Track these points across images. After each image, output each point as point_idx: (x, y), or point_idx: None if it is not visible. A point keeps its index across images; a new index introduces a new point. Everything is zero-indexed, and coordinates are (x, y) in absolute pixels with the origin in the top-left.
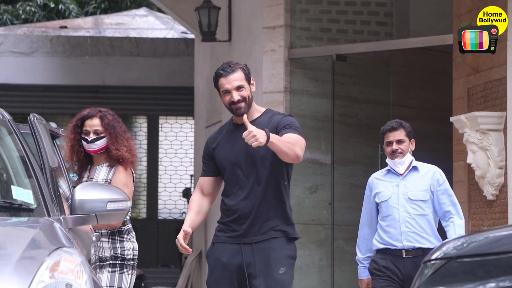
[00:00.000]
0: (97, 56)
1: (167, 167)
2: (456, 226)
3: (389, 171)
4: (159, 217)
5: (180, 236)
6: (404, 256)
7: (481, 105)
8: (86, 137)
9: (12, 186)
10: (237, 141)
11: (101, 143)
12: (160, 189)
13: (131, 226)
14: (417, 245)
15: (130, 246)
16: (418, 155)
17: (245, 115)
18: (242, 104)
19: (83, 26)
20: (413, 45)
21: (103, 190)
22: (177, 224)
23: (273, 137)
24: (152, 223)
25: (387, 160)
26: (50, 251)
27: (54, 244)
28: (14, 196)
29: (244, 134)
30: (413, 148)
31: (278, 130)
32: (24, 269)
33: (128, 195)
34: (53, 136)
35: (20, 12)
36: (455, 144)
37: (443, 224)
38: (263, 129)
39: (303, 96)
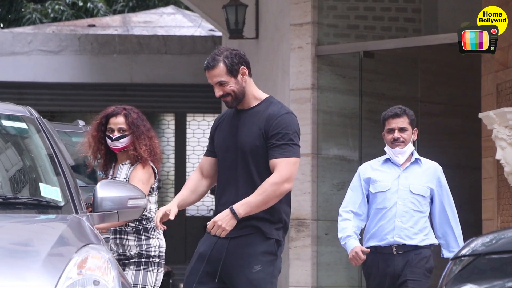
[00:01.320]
0: (125, 54)
1: (194, 164)
2: (458, 238)
3: (387, 160)
4: (187, 214)
5: (160, 211)
6: (394, 252)
7: (510, 101)
8: (111, 135)
9: (40, 184)
10: (233, 128)
11: (125, 141)
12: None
13: None
14: (409, 242)
15: (156, 243)
16: (447, 151)
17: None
18: (228, 98)
19: (111, 24)
20: (441, 41)
21: (122, 188)
22: (205, 220)
23: (243, 210)
24: (180, 220)
25: (386, 149)
26: (78, 248)
27: (82, 241)
28: (42, 194)
29: (208, 226)
30: (415, 138)
31: (269, 140)
32: (52, 265)
33: (143, 191)
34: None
35: (49, 11)
36: (483, 140)
37: (440, 231)
38: (229, 209)
39: (330, 93)
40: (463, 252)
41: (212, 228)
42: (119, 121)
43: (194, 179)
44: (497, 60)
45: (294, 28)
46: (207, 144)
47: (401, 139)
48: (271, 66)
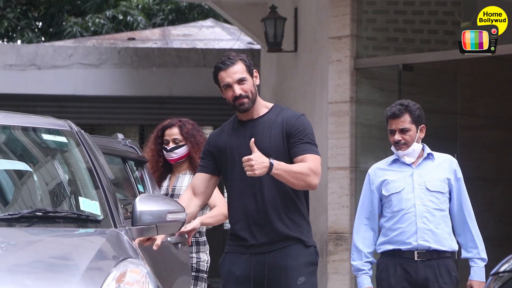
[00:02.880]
0: (164, 67)
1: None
2: (477, 240)
3: (396, 160)
4: (225, 227)
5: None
6: (416, 258)
7: None
8: (166, 146)
9: (79, 198)
10: (243, 139)
11: (180, 152)
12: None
13: (205, 238)
14: (434, 246)
15: (205, 258)
16: (487, 164)
17: (252, 140)
18: (245, 100)
19: (150, 37)
20: (481, 54)
21: (161, 202)
22: None
23: (279, 168)
24: (218, 233)
25: (393, 148)
26: (117, 262)
27: (121, 255)
28: (82, 208)
29: (244, 159)
30: (422, 136)
31: (291, 138)
32: (91, 280)
33: (223, 201)
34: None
35: (90, 24)
36: None
37: (459, 231)
38: (269, 159)
39: (369, 106)
40: (504, 268)
41: (245, 162)
42: (173, 132)
43: (185, 199)
44: None
45: (333, 41)
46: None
47: (403, 141)
48: (310, 79)
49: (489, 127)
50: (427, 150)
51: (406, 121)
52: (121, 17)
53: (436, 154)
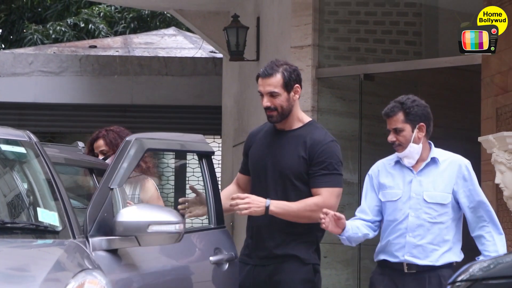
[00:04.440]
0: (126, 75)
1: (194, 185)
2: (498, 241)
3: (398, 161)
4: None
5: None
6: (405, 271)
7: (510, 125)
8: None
9: (38, 208)
10: (272, 148)
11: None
12: None
13: None
14: (424, 262)
15: None
16: None
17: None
18: (274, 113)
19: (112, 45)
20: (442, 64)
21: (149, 212)
22: None
23: (278, 208)
24: None
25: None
26: (75, 273)
27: (79, 266)
28: (40, 218)
29: (241, 196)
30: (421, 135)
31: (313, 167)
32: None
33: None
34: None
35: (51, 32)
36: (483, 164)
37: (475, 235)
38: (266, 200)
39: (330, 115)
40: (461, 277)
41: (240, 200)
42: (99, 145)
43: (230, 190)
44: (497, 84)
45: (295, 51)
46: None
47: (397, 142)
48: None
49: (450, 137)
50: (433, 152)
51: (398, 120)
52: (82, 24)
53: (443, 156)
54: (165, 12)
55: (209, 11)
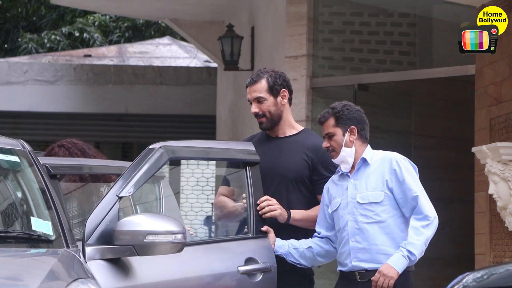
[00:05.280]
0: (121, 84)
1: (188, 195)
2: (411, 229)
3: (339, 171)
4: None
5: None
6: (358, 280)
7: (503, 136)
8: None
9: (31, 217)
10: (270, 154)
11: None
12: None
13: None
14: (370, 265)
15: None
16: (440, 184)
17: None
18: (263, 119)
19: (107, 54)
20: (435, 75)
21: (148, 221)
22: None
23: (296, 216)
24: None
25: None
26: (68, 283)
27: (72, 276)
28: (34, 227)
29: (262, 199)
30: (353, 138)
31: (317, 174)
32: None
33: None
34: None
35: (45, 40)
36: (476, 174)
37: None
38: (287, 211)
39: None
40: None
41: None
42: None
43: (223, 198)
44: (491, 95)
45: (289, 60)
46: (201, 176)
47: (330, 148)
48: None
49: (443, 147)
50: (364, 153)
51: (329, 125)
52: (77, 34)
53: (374, 156)
54: (160, 22)
55: (203, 20)
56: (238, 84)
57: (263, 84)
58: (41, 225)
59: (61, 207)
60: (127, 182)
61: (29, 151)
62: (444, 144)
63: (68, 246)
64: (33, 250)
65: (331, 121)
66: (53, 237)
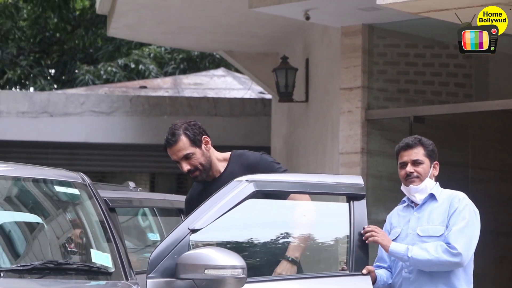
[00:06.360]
0: (176, 115)
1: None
2: (434, 245)
3: (404, 202)
4: None
5: None
6: None
7: None
8: None
9: (91, 250)
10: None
11: None
12: None
13: None
14: None
15: None
16: (499, 218)
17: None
18: (197, 173)
19: (162, 86)
20: (492, 107)
21: (209, 256)
22: None
23: (297, 253)
24: None
25: (402, 188)
26: None
27: None
28: (93, 260)
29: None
30: (436, 173)
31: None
32: None
33: None
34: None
35: (102, 72)
36: None
37: None
38: (288, 261)
39: (380, 157)
40: None
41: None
42: None
43: None
44: None
45: (344, 92)
46: None
47: (415, 174)
48: (321, 129)
49: (501, 180)
50: (435, 189)
51: (419, 153)
52: (133, 65)
53: (442, 193)
54: (215, 53)
55: (258, 52)
56: (292, 116)
57: (184, 141)
58: (101, 257)
59: (119, 240)
60: (202, 214)
61: (88, 184)
62: (502, 177)
63: (127, 279)
64: (92, 282)
65: (421, 150)
66: (112, 269)
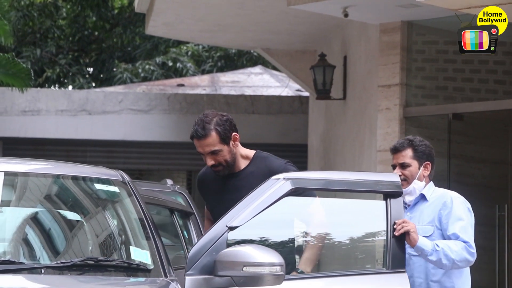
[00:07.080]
0: None
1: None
2: (458, 243)
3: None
4: None
5: None
6: None
7: None
8: None
9: (130, 247)
10: (223, 192)
11: None
12: None
13: None
14: None
15: None
16: None
17: None
18: (220, 168)
19: (199, 84)
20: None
21: (248, 253)
22: None
23: (307, 266)
24: None
25: None
26: None
27: None
28: (132, 257)
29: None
30: (426, 173)
31: None
32: None
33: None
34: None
35: (140, 70)
36: None
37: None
38: (297, 273)
39: None
40: None
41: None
42: None
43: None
44: None
45: (382, 89)
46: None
47: (402, 177)
48: (359, 127)
49: None
50: (425, 190)
51: (407, 155)
52: (170, 63)
53: (434, 193)
54: (252, 51)
55: (296, 49)
56: (330, 113)
57: (214, 137)
58: (140, 255)
59: (159, 237)
60: (240, 212)
61: (128, 182)
62: None
63: (166, 276)
64: (132, 279)
65: (409, 152)
66: (152, 266)
